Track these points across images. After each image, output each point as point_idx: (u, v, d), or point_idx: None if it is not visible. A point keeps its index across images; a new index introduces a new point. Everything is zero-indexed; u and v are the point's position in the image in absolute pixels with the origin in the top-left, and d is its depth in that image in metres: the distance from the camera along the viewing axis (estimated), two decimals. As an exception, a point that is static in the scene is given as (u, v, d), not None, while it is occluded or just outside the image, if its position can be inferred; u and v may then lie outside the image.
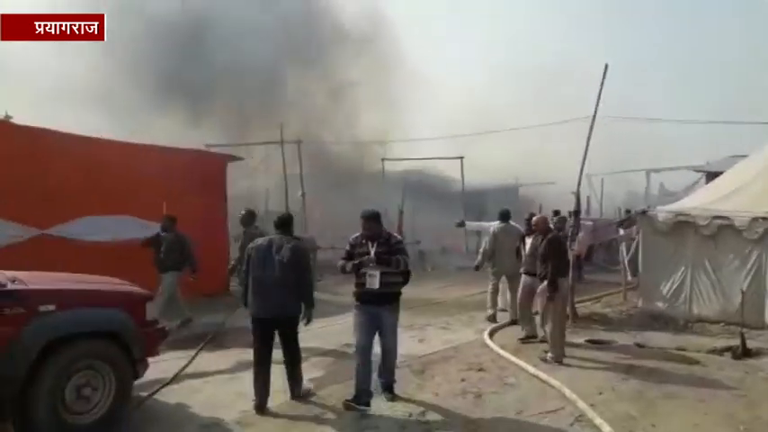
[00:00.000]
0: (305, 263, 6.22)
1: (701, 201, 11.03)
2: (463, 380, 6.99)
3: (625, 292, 12.42)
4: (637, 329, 9.73)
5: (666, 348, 8.48)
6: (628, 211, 14.26)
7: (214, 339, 8.98)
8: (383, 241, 5.97)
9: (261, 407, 5.87)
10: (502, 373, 7.28)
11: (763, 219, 9.48)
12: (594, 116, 10.35)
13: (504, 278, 10.71)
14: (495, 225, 10.96)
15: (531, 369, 7.22)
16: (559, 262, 8.03)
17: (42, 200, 10.29)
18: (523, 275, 9.21)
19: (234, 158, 14.23)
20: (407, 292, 6.47)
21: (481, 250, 11.34)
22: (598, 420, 5.47)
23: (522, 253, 9.37)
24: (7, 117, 12.23)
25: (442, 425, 5.57)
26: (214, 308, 11.38)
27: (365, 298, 6.01)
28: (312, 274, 7.18)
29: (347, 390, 6.38)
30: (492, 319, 10.38)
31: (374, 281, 5.84)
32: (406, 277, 6.19)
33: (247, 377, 7.11)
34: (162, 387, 6.57)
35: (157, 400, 6.26)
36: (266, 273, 6.01)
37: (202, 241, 12.67)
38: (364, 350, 6.08)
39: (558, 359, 7.66)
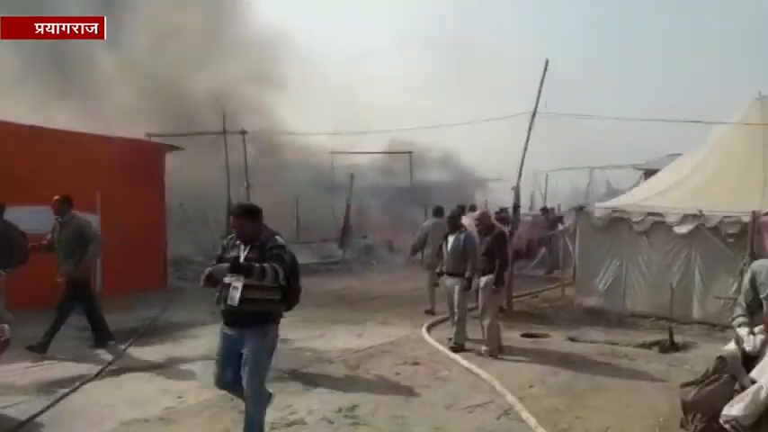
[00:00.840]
0: None
1: (637, 198, 11.32)
2: (397, 374, 6.96)
3: (563, 287, 12.64)
4: (572, 324, 9.91)
5: (598, 342, 8.66)
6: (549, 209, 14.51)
7: (144, 335, 8.75)
8: (258, 245, 4.58)
9: None
10: (436, 367, 7.29)
11: (694, 216, 9.76)
12: (534, 113, 10.49)
13: None
14: (428, 220, 11.47)
15: (465, 363, 7.26)
16: (505, 257, 8.24)
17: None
18: (446, 277, 8.44)
19: (173, 148, 13.83)
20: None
21: (413, 243, 11.67)
22: (525, 414, 5.52)
23: (444, 252, 8.45)
24: None
25: (370, 419, 5.51)
26: (149, 302, 11.05)
27: (226, 317, 4.74)
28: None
29: (280, 386, 6.29)
30: (430, 312, 10.40)
31: (234, 294, 4.54)
32: (288, 296, 4.75)
33: (174, 373, 6.97)
34: (83, 383, 6.33)
35: (79, 397, 6.01)
36: None
37: (139, 234, 12.32)
38: (225, 386, 4.94)
39: (494, 353, 7.72)
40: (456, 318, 8.21)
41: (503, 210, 13.24)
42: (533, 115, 10.50)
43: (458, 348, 7.94)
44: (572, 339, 8.83)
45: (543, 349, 8.25)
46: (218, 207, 17.10)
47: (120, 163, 11.64)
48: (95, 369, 6.89)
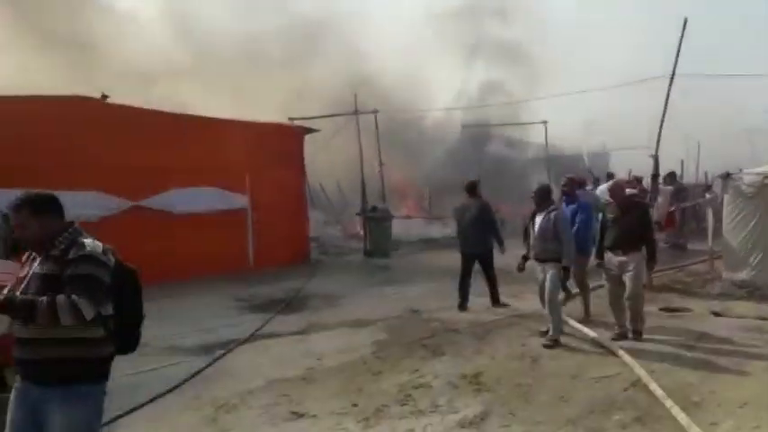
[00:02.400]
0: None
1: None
2: (524, 345, 7.06)
3: (711, 260, 11.84)
4: (719, 298, 9.35)
5: (746, 318, 8.13)
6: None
7: (290, 304, 9.55)
8: (55, 255, 2.97)
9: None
10: (565, 339, 7.27)
11: None
12: (673, 75, 9.89)
13: None
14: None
15: (593, 334, 7.18)
16: (652, 233, 7.66)
17: (133, 173, 11.09)
18: (536, 263, 7.33)
19: (310, 131, 14.67)
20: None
21: None
22: (653, 386, 5.41)
23: (531, 233, 7.42)
24: (104, 97, 13.04)
25: (494, 385, 5.70)
26: (294, 275, 11.96)
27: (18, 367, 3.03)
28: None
29: (407, 351, 6.71)
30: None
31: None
32: (120, 332, 3.10)
33: (315, 339, 7.59)
34: (236, 346, 7.11)
35: (232, 358, 6.79)
36: None
37: (283, 213, 13.33)
38: None
39: (638, 335, 7.10)
40: (548, 310, 7.11)
41: (637, 179, 12.57)
42: (672, 77, 9.91)
43: (553, 345, 6.88)
44: (716, 314, 8.36)
45: (682, 324, 7.91)
46: (354, 187, 17.96)
47: (265, 146, 12.65)
48: (246, 334, 7.69)
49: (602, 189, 9.45)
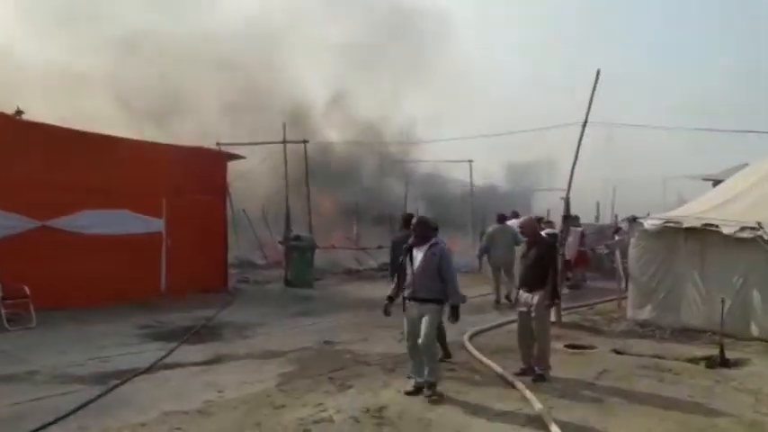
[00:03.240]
0: None
1: (696, 209, 10.96)
2: (431, 379, 7.06)
3: (619, 299, 12.34)
4: (622, 337, 9.70)
5: (645, 356, 8.45)
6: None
7: (198, 333, 9.24)
8: None
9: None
10: (471, 374, 7.35)
11: (752, 228, 9.38)
12: (585, 122, 10.36)
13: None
14: (493, 226, 13.11)
15: (498, 369, 7.28)
16: (556, 269, 7.71)
17: (43, 192, 10.56)
18: (412, 304, 6.51)
19: (235, 157, 14.46)
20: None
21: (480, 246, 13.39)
22: (552, 425, 5.51)
23: (409, 270, 6.55)
24: (18, 112, 12.50)
25: (396, 420, 5.66)
26: (208, 304, 11.60)
27: None
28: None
29: (313, 384, 6.59)
30: (496, 303, 12.37)
31: None
32: None
33: (220, 370, 7.35)
34: (133, 376, 6.79)
35: (126, 388, 6.46)
36: None
37: (201, 238, 12.99)
38: None
39: (545, 376, 7.13)
40: (426, 357, 6.40)
41: (541, 219, 13.02)
42: (584, 125, 10.39)
43: (440, 399, 6.24)
44: (617, 352, 8.66)
45: (585, 361, 8.15)
46: (280, 213, 17.75)
47: (184, 170, 12.33)
48: (147, 363, 7.36)
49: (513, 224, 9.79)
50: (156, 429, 5.33)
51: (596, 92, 10.29)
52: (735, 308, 9.38)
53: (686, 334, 9.72)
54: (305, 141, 17.67)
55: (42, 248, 10.47)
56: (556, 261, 7.87)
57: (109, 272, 11.19)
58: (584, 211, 21.77)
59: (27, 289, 9.57)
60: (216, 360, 7.75)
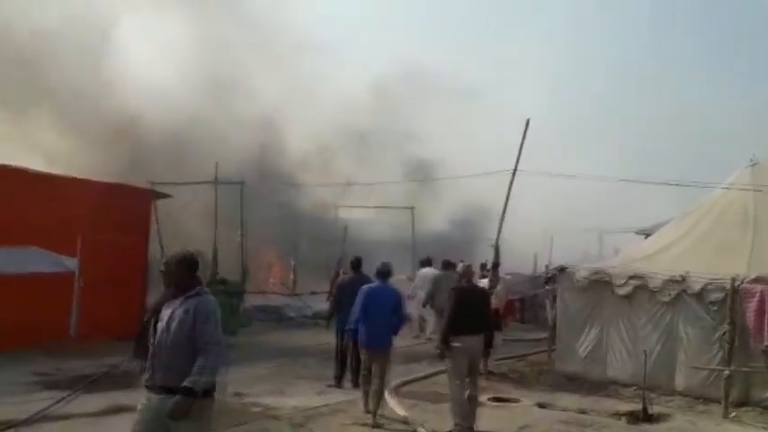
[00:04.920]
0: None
1: (624, 260, 11.00)
2: (341, 435, 6.62)
3: (549, 351, 12.16)
4: (548, 390, 9.47)
5: (569, 410, 8.21)
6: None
7: (96, 381, 8.52)
8: None
9: None
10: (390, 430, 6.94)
11: (676, 281, 9.39)
12: (515, 170, 10.35)
13: None
14: (439, 272, 12.34)
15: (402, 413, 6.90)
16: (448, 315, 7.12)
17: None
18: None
19: (161, 195, 13.89)
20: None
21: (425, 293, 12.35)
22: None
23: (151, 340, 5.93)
24: None
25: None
26: (120, 350, 10.80)
27: None
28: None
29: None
30: None
31: None
32: None
33: (109, 422, 6.72)
34: (6, 428, 6.10)
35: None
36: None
37: (118, 280, 12.25)
38: None
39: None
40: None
41: (484, 266, 12.98)
42: (513, 173, 10.37)
43: None
44: (541, 406, 8.40)
45: (507, 414, 7.86)
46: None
47: (103, 207, 11.67)
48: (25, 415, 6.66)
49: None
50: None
51: (526, 139, 10.30)
52: (659, 361, 9.32)
53: (612, 388, 9.58)
54: (241, 183, 17.28)
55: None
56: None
57: (12, 313, 10.39)
58: (522, 261, 21.93)
59: None
60: (111, 411, 7.11)
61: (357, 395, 8.50)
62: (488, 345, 7.65)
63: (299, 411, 7.54)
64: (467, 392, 6.88)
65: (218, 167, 15.44)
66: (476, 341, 7.02)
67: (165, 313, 4.22)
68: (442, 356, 7.12)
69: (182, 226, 16.63)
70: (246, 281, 16.82)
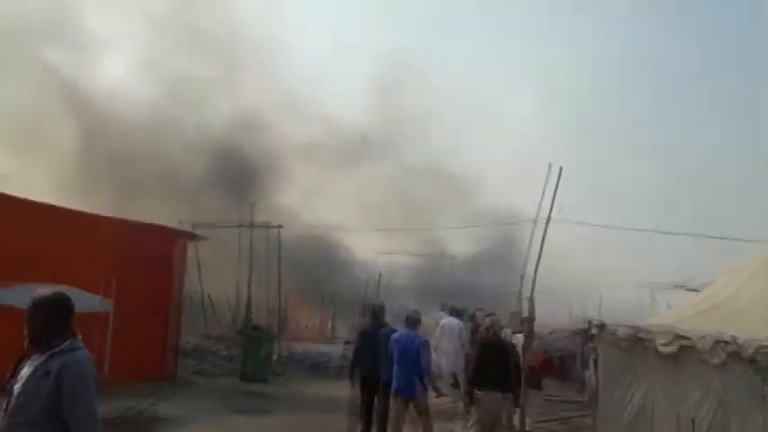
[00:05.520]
0: None
1: (668, 319, 10.31)
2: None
3: (594, 415, 11.42)
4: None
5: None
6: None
7: (109, 426, 8.36)
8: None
9: None
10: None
11: (727, 343, 8.67)
12: (548, 219, 9.97)
13: None
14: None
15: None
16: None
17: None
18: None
19: (195, 237, 13.97)
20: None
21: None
22: None
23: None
24: None
25: None
26: (145, 393, 10.70)
27: None
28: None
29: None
30: None
31: None
32: None
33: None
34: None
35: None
36: None
37: (150, 322, 12.26)
38: None
39: None
40: None
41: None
42: (547, 222, 9.98)
43: None
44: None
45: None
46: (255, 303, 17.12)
47: (136, 247, 11.78)
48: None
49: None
50: None
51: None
52: (710, 430, 8.55)
53: (658, 457, 8.82)
54: (279, 226, 17.34)
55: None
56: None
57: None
58: (561, 315, 21.11)
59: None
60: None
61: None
62: (516, 402, 7.24)
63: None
64: None
65: (252, 209, 15.50)
66: (497, 396, 6.73)
67: (25, 373, 3.27)
68: (467, 410, 6.86)
69: (216, 268, 16.72)
70: (282, 327, 16.72)
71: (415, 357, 7.50)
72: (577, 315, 23.02)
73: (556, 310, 21.07)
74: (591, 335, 12.53)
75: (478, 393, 6.74)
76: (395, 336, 8.04)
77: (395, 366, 7.74)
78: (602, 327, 10.22)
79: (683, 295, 19.08)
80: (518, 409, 8.13)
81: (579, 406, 12.66)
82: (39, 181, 15.19)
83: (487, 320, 7.75)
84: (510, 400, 6.90)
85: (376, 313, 9.00)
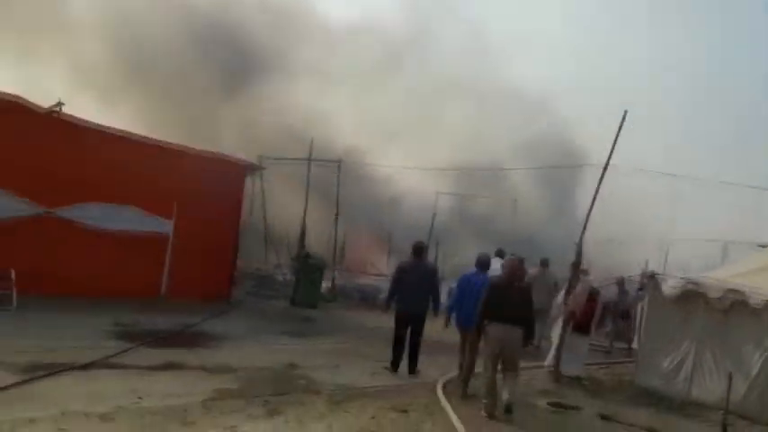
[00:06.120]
0: None
1: (723, 274, 9.88)
2: (373, 417, 6.45)
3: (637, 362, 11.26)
4: (621, 402, 8.72)
5: (635, 426, 7.51)
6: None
7: (164, 338, 8.94)
8: None
9: None
10: (422, 418, 6.68)
11: (778, 300, 8.28)
12: (606, 165, 9.58)
13: None
14: (535, 269, 12.49)
15: (453, 418, 6.60)
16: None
17: (53, 181, 10.73)
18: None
19: (255, 167, 14.33)
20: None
21: None
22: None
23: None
24: (59, 104, 12.59)
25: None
26: (200, 311, 11.30)
27: None
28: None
29: (243, 406, 6.14)
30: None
31: None
32: None
33: (157, 377, 6.98)
34: (61, 371, 6.54)
35: (49, 382, 6.21)
36: None
37: (208, 246, 12.81)
38: None
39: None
40: None
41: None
42: (605, 168, 9.61)
43: None
44: (604, 417, 7.73)
45: (560, 421, 7.32)
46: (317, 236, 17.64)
47: (199, 176, 12.22)
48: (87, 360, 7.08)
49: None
50: (41, 427, 4.99)
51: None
52: (754, 387, 8.31)
53: (694, 408, 8.66)
54: (339, 161, 17.52)
55: (44, 235, 10.63)
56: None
57: (109, 266, 11.23)
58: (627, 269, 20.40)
59: (13, 272, 9.61)
60: (162, 367, 7.39)
61: (408, 382, 8.37)
62: (527, 337, 7.31)
63: (343, 389, 7.45)
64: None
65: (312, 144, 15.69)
66: (507, 330, 7.06)
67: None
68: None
69: (278, 199, 17.18)
70: (337, 259, 17.10)
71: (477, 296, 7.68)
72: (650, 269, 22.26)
73: (632, 261, 20.43)
74: (641, 286, 12.23)
75: (487, 326, 7.04)
76: (465, 276, 8.62)
77: (461, 306, 8.31)
78: (651, 277, 9.96)
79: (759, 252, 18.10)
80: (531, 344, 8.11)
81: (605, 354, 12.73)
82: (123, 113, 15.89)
83: (505, 260, 7.86)
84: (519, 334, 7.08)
85: (417, 251, 9.08)
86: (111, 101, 17.40)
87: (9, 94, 10.48)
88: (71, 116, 11.28)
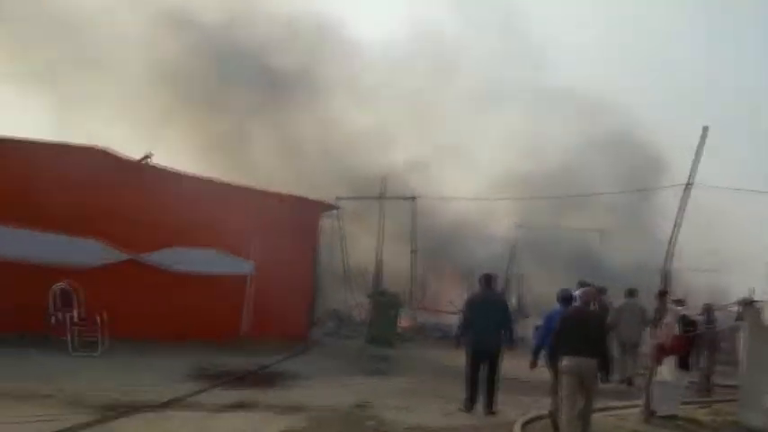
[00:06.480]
0: None
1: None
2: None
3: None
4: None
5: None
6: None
7: (240, 379, 9.05)
8: None
9: None
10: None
11: None
12: (688, 184, 9.01)
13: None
14: (622, 301, 12.16)
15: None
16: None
17: (134, 227, 11.28)
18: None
19: (329, 207, 14.50)
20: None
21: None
22: None
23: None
24: (146, 156, 13.20)
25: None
26: (277, 351, 11.42)
27: None
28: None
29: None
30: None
31: None
32: None
33: (225, 418, 7.01)
34: (133, 412, 6.69)
35: (118, 424, 6.36)
36: None
37: (287, 286, 12.99)
38: None
39: None
40: None
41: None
42: (687, 187, 9.03)
43: None
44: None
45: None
46: (393, 273, 17.55)
47: (277, 216, 12.53)
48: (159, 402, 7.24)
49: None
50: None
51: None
52: None
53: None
54: (413, 198, 17.50)
55: (129, 281, 11.12)
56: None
57: (192, 308, 11.57)
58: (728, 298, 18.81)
59: (100, 317, 10.08)
60: (233, 407, 7.45)
61: (484, 423, 8.00)
62: (603, 368, 6.83)
63: (414, 430, 7.21)
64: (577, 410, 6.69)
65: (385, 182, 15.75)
66: (582, 362, 6.63)
67: None
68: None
69: (351, 236, 17.28)
70: (418, 296, 16.92)
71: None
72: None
73: (732, 291, 18.93)
74: (738, 314, 11.26)
75: (564, 360, 6.58)
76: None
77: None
78: (749, 304, 9.15)
79: None
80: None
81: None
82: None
83: (580, 291, 7.38)
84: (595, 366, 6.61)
85: (486, 282, 8.80)
86: (155, 137, 17.83)
87: (97, 147, 11.15)
88: (156, 164, 11.90)
